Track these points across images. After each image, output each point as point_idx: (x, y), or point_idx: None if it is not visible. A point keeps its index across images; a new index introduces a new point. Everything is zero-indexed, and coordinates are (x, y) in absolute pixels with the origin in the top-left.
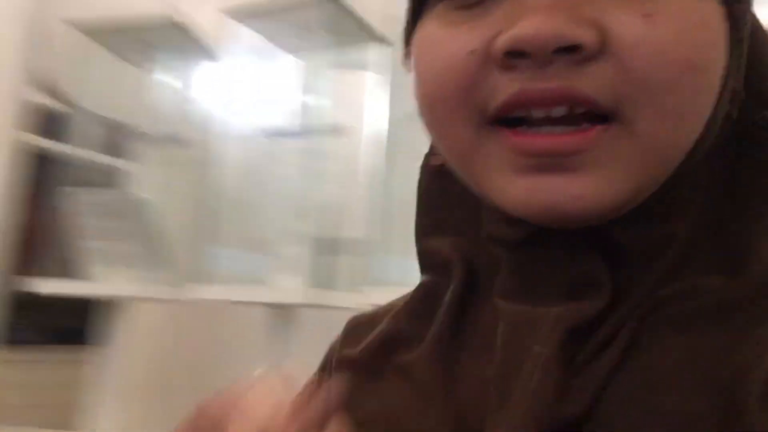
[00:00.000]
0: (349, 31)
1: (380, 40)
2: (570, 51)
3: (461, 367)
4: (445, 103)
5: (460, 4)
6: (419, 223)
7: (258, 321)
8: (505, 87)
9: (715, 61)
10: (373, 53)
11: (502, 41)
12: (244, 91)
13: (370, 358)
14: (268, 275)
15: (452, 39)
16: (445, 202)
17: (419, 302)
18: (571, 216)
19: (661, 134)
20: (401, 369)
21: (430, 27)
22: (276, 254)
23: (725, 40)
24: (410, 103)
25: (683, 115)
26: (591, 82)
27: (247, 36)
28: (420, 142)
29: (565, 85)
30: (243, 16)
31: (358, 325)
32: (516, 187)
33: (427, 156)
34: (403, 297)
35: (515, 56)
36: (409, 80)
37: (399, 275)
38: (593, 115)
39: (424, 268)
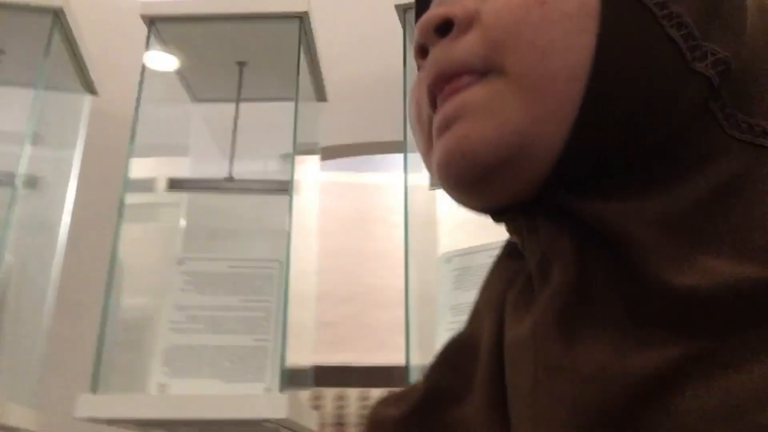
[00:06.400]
0: None
1: None
2: (448, 30)
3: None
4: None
5: None
6: None
7: None
8: (423, 92)
9: None
10: None
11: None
12: None
13: (416, 418)
14: None
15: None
16: None
17: (455, 353)
18: (466, 155)
19: (528, 67)
20: (455, 426)
21: None
22: None
23: None
24: None
25: (543, 47)
26: (464, 47)
27: None
28: None
29: (445, 58)
30: None
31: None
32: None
33: None
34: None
35: (422, 56)
36: None
37: None
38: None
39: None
